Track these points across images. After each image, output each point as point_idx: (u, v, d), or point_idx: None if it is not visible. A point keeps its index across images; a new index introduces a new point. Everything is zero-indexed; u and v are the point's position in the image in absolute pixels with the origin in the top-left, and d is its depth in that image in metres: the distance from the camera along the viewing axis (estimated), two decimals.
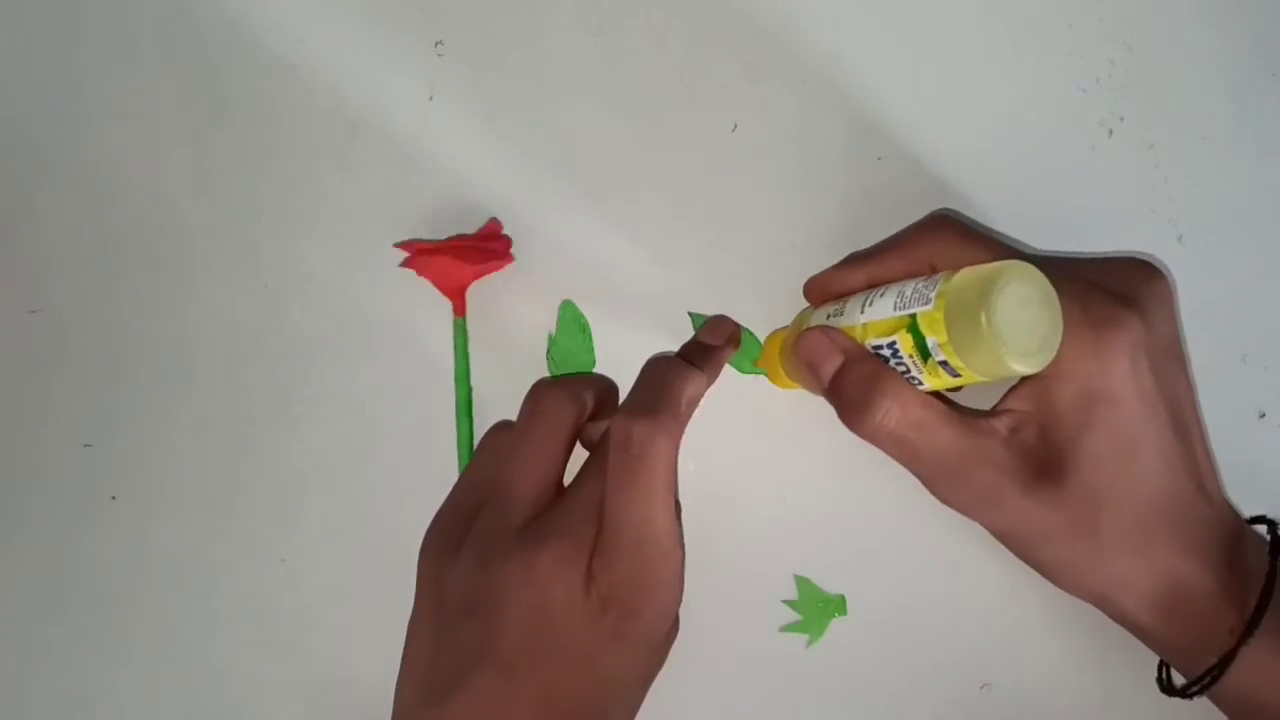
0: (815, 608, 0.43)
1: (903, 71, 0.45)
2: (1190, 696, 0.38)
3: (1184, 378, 0.39)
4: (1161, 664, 0.40)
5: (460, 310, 0.44)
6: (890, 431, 0.37)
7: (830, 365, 0.38)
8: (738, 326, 0.43)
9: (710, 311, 0.44)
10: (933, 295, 0.35)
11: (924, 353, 0.35)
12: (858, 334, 0.38)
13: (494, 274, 0.44)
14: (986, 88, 0.45)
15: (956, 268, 0.35)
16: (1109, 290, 0.37)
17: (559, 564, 0.37)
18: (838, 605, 0.43)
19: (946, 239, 0.39)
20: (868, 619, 0.43)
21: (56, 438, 0.45)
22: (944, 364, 0.34)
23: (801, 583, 0.44)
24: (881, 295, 0.37)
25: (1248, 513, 0.41)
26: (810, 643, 0.43)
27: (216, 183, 0.46)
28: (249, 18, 0.46)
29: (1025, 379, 0.37)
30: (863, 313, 0.38)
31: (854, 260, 0.40)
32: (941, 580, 0.44)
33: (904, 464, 0.38)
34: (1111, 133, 0.44)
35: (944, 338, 0.34)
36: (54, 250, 0.46)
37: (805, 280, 0.42)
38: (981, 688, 0.43)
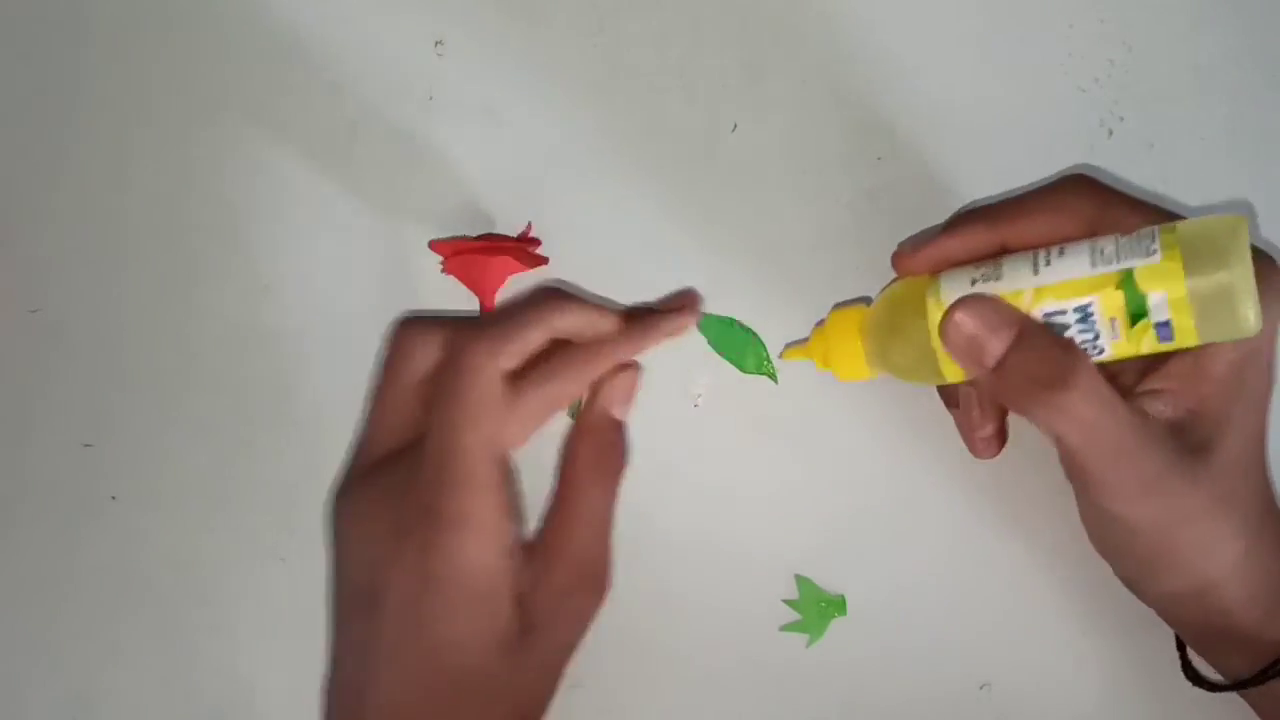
0: (815, 608, 0.43)
1: (903, 71, 0.45)
2: (1238, 689, 0.37)
3: None
4: (1183, 652, 0.40)
5: (488, 308, 0.44)
6: (1081, 419, 0.33)
7: (1001, 339, 0.34)
8: (697, 308, 0.42)
9: (710, 310, 0.44)
10: (1153, 248, 0.32)
11: (1137, 314, 0.33)
12: (1022, 301, 0.34)
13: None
14: (986, 88, 0.45)
15: (1126, 229, 0.33)
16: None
17: (379, 495, 0.36)
18: (838, 605, 0.43)
19: (1099, 200, 0.36)
20: (868, 619, 0.43)
21: (56, 438, 0.45)
22: (1162, 325, 0.32)
23: (801, 583, 0.44)
24: (1065, 254, 0.34)
25: None
26: (810, 643, 0.43)
27: (216, 182, 0.46)
28: (248, 18, 0.46)
29: (1176, 353, 0.34)
30: (1037, 274, 0.34)
31: (975, 221, 0.37)
32: (941, 580, 0.44)
33: (1076, 450, 0.34)
34: (1111, 133, 0.44)
35: (1181, 292, 0.32)
36: (54, 250, 0.46)
37: (901, 243, 0.38)
38: (981, 688, 0.43)
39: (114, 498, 0.45)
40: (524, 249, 0.44)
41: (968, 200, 0.44)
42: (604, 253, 0.45)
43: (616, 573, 0.44)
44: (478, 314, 0.42)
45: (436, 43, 0.46)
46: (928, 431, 0.43)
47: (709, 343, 0.44)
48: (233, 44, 0.46)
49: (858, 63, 0.45)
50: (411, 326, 0.38)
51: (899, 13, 0.45)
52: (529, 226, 0.44)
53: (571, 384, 0.37)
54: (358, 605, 0.36)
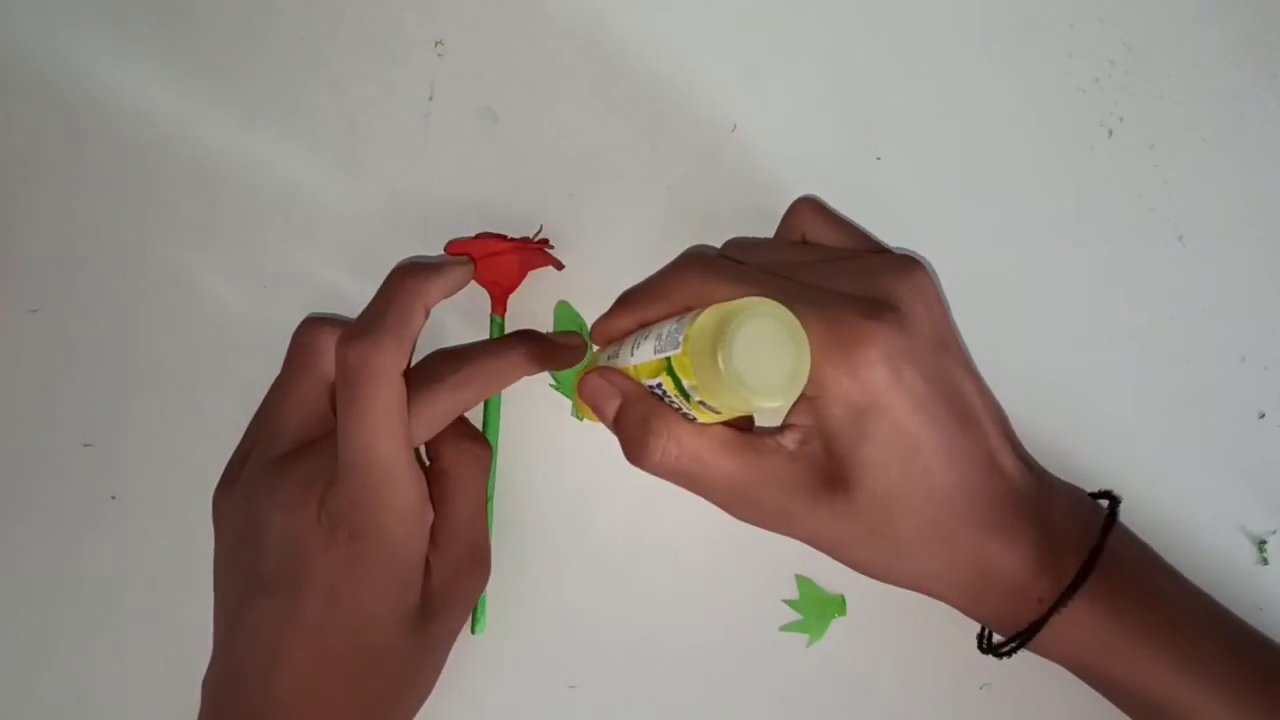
0: (815, 608, 0.43)
1: (903, 71, 0.45)
2: (1001, 656, 0.39)
3: (959, 364, 0.38)
4: (983, 626, 0.41)
5: (501, 309, 0.44)
6: (670, 467, 0.37)
7: (610, 406, 0.38)
8: (583, 345, 0.44)
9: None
10: (680, 339, 0.34)
11: (685, 393, 0.35)
12: (630, 374, 0.38)
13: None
14: (986, 87, 0.45)
15: (705, 306, 0.34)
16: (860, 301, 0.36)
17: (300, 487, 0.38)
18: (838, 605, 0.43)
19: (693, 278, 0.38)
20: (868, 619, 0.43)
21: (56, 438, 0.45)
22: (703, 403, 0.34)
23: (802, 583, 0.44)
24: (646, 338, 0.37)
25: (1244, 512, 0.41)
26: (810, 643, 0.43)
27: (216, 182, 0.46)
28: (248, 18, 0.46)
29: (802, 396, 0.35)
30: (632, 355, 0.38)
31: (624, 303, 0.40)
32: None
33: (694, 493, 0.38)
34: (1111, 133, 0.44)
35: (694, 380, 0.33)
36: (54, 250, 0.46)
37: (597, 319, 0.41)
38: (981, 688, 0.43)
39: (114, 498, 0.45)
40: (540, 250, 0.44)
41: (967, 199, 0.44)
42: (603, 253, 0.45)
43: (617, 572, 0.44)
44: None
45: (436, 43, 0.46)
46: None
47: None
48: (233, 43, 0.46)
49: (858, 62, 0.45)
50: (319, 326, 0.41)
51: (899, 13, 0.45)
52: (540, 229, 0.44)
53: (478, 395, 0.41)
54: (269, 587, 0.38)
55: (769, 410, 0.34)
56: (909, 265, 0.38)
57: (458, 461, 0.41)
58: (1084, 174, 0.44)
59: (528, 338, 0.42)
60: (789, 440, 0.37)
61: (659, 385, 0.36)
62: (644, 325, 0.39)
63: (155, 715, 0.44)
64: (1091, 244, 0.44)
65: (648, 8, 0.45)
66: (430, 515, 0.39)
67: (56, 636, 0.45)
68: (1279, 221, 0.44)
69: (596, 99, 0.45)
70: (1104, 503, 0.40)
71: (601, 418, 0.39)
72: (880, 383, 0.35)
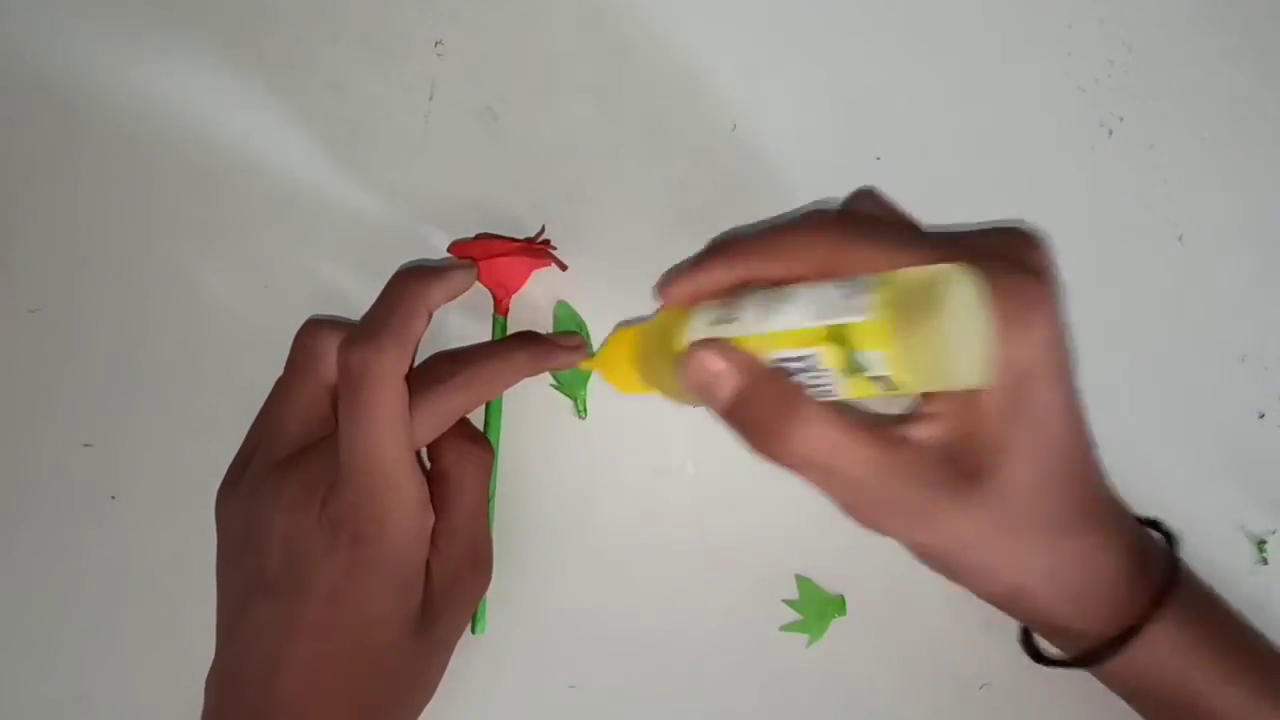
0: (815, 608, 0.43)
1: (903, 71, 0.45)
2: (1073, 667, 0.38)
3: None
4: (1025, 632, 0.40)
5: (504, 310, 0.44)
6: (808, 458, 0.33)
7: (727, 387, 0.34)
8: (583, 343, 0.43)
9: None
10: (864, 305, 0.31)
11: (853, 367, 0.31)
12: (752, 344, 0.34)
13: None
14: (986, 87, 0.45)
15: (863, 270, 0.32)
16: (1018, 264, 0.34)
17: (303, 490, 0.38)
18: (838, 605, 0.43)
19: (832, 236, 0.35)
20: (868, 619, 0.43)
21: (56, 438, 0.45)
22: (879, 379, 0.31)
23: (802, 583, 0.44)
24: (787, 302, 0.33)
25: (1244, 512, 0.41)
26: (810, 643, 0.43)
27: (216, 181, 0.46)
28: (248, 18, 0.46)
29: None
30: (765, 320, 0.33)
31: (724, 254, 0.36)
32: (941, 580, 0.43)
33: (822, 490, 0.35)
34: (1111, 133, 0.44)
35: (890, 350, 0.31)
36: (54, 250, 0.46)
37: (664, 274, 0.38)
38: (981, 688, 0.43)
39: (114, 498, 0.45)
40: (544, 251, 0.44)
41: (967, 199, 0.44)
42: (603, 253, 0.45)
43: (617, 573, 0.44)
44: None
45: (436, 43, 0.46)
46: None
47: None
48: (233, 43, 0.46)
49: (858, 62, 0.45)
50: (320, 328, 0.40)
51: (899, 12, 0.45)
52: (542, 229, 0.44)
53: (480, 397, 0.41)
54: (271, 589, 0.38)
55: (964, 387, 0.31)
56: (1033, 232, 0.35)
57: (458, 463, 0.41)
58: (1084, 174, 0.44)
59: (528, 339, 0.42)
60: (922, 430, 0.34)
61: (805, 357, 0.32)
62: (746, 284, 0.36)
63: (155, 715, 0.44)
64: (1091, 244, 0.44)
65: (648, 8, 0.45)
66: (431, 519, 0.39)
67: (56, 636, 0.45)
68: (1279, 221, 0.44)
69: (596, 99, 0.45)
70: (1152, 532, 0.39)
71: (710, 399, 0.34)
72: (1046, 349, 0.33)
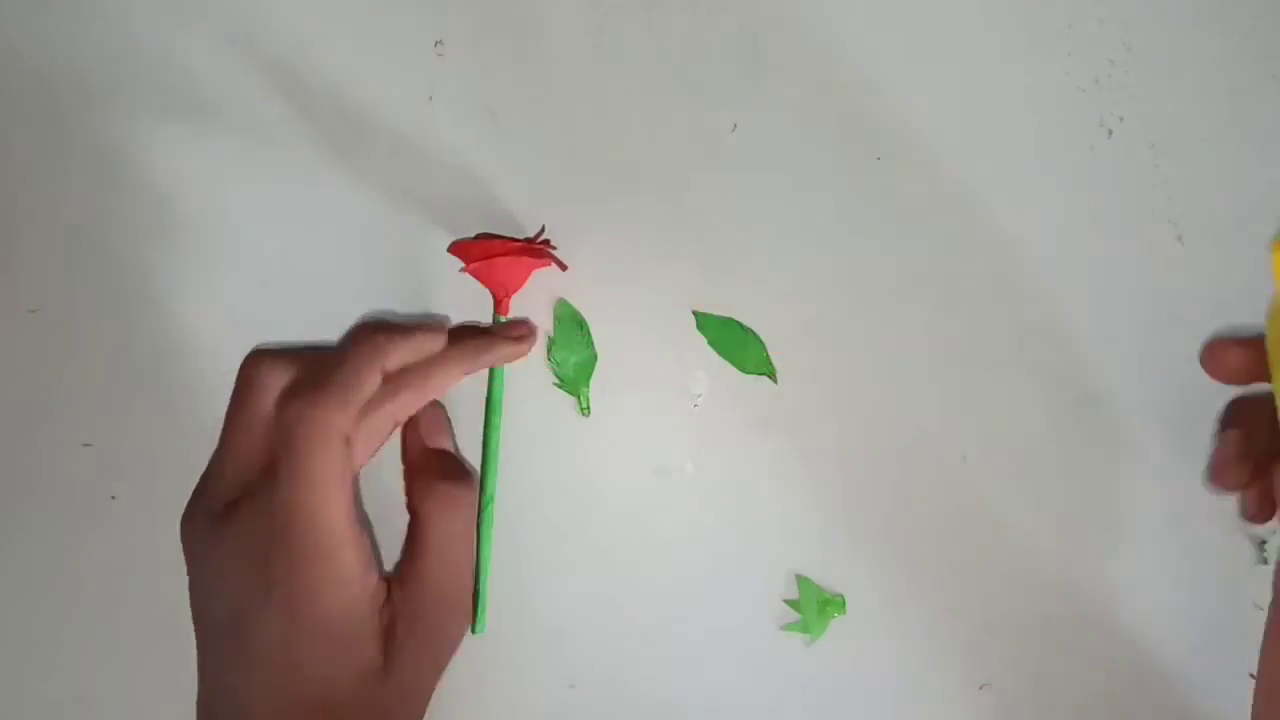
0: (815, 608, 0.43)
1: (903, 71, 0.45)
2: None
3: None
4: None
5: (504, 310, 0.44)
6: None
7: None
8: (532, 330, 0.42)
9: (710, 310, 0.44)
10: None
11: None
12: None
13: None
14: (986, 88, 0.45)
15: None
16: None
17: (239, 547, 0.37)
18: (838, 605, 0.43)
19: None
20: (868, 619, 0.43)
21: (56, 438, 0.45)
22: None
23: (802, 583, 0.44)
24: None
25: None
26: (810, 643, 0.43)
27: (216, 181, 0.46)
28: (248, 18, 0.46)
29: None
30: None
31: None
32: (941, 580, 0.44)
33: None
34: (1111, 133, 0.44)
35: None
36: (54, 250, 0.46)
37: None
38: (981, 688, 0.43)
39: (114, 498, 0.45)
40: (544, 251, 0.44)
41: (967, 200, 0.44)
42: (603, 253, 0.44)
43: (617, 572, 0.44)
44: (331, 345, 0.40)
45: (436, 43, 0.46)
46: (929, 431, 0.43)
47: (708, 342, 0.44)
48: (231, 44, 0.46)
49: (858, 63, 0.45)
50: (262, 362, 0.38)
51: (899, 12, 0.45)
52: (543, 229, 0.44)
53: (409, 407, 0.39)
54: (222, 634, 0.37)
55: None
56: None
57: (426, 502, 0.40)
58: (1084, 174, 0.44)
59: (465, 334, 0.40)
60: None
61: None
62: None
63: (155, 715, 0.44)
64: (1091, 244, 0.44)
65: (648, 8, 0.45)
66: (373, 579, 0.38)
67: (56, 636, 0.45)
68: (1279, 221, 0.44)
69: (596, 99, 0.45)
70: None
71: None
72: None
